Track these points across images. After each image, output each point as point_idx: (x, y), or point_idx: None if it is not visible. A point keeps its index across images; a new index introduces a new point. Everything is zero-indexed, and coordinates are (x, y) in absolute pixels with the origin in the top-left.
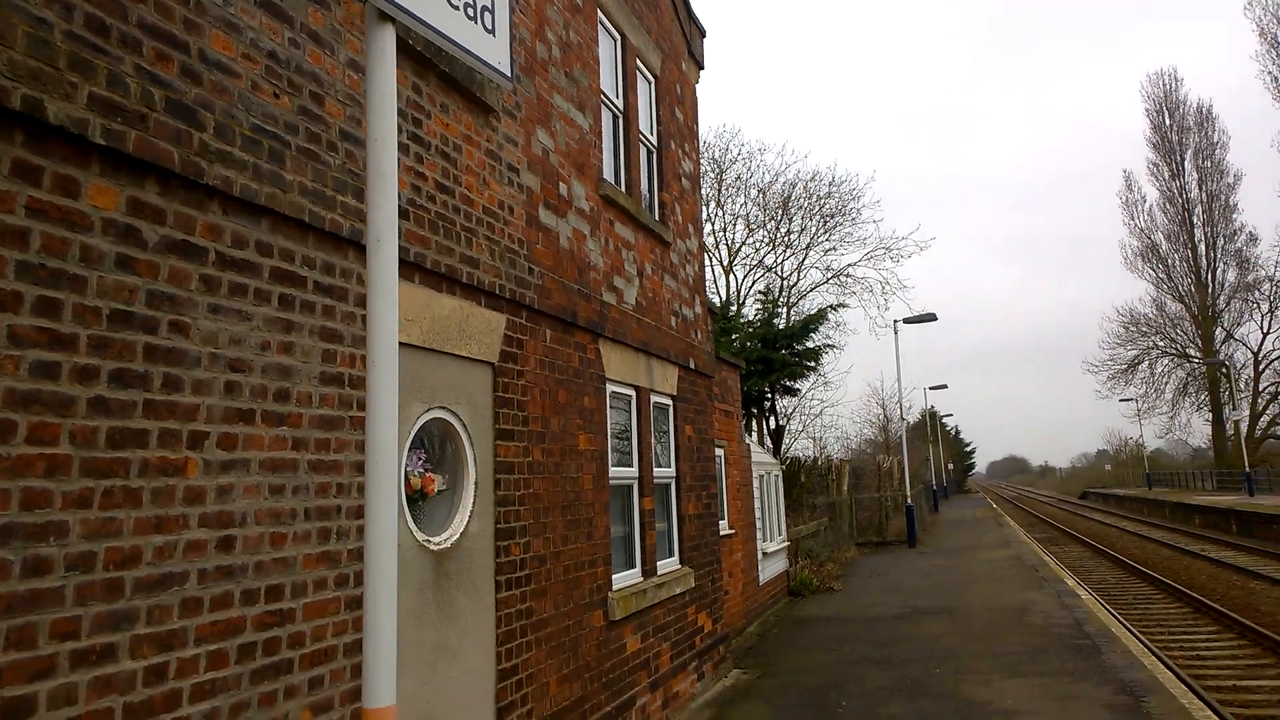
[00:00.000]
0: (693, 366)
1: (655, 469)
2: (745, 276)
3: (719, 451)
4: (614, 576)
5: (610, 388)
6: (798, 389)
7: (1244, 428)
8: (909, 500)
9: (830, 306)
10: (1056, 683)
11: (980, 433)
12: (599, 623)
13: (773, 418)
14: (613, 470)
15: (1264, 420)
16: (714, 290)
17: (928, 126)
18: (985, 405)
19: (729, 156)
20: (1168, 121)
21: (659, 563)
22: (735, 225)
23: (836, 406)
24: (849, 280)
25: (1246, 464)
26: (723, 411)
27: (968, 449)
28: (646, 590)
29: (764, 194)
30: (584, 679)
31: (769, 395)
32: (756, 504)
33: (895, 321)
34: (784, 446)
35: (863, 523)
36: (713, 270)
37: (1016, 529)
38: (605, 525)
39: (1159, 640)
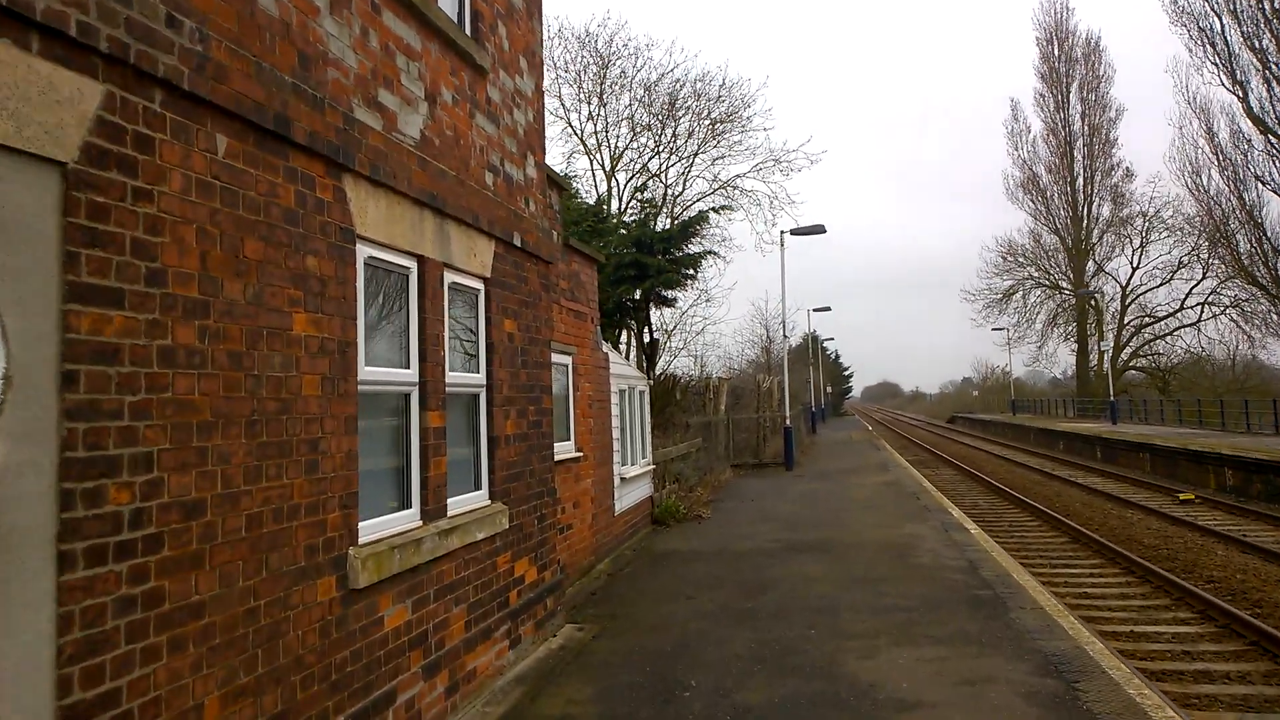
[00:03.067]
0: (519, 244)
1: (450, 373)
2: (628, 182)
3: (564, 359)
4: (363, 524)
5: (366, 250)
6: (675, 299)
7: (1109, 358)
8: (788, 422)
9: (713, 208)
10: (960, 655)
11: (857, 357)
12: (328, 594)
13: (647, 330)
14: (367, 371)
15: (1126, 352)
16: (590, 191)
17: (826, 40)
18: (864, 331)
19: (613, 49)
20: (1056, 51)
21: (452, 500)
22: (619, 126)
23: (719, 324)
24: (736, 192)
25: (1112, 393)
26: (571, 311)
27: (846, 373)
28: (424, 539)
29: (649, 92)
30: (290, 684)
31: (643, 305)
32: (615, 423)
33: (782, 233)
34: (662, 363)
35: (740, 444)
36: (594, 175)
37: (893, 452)
38: (347, 450)
39: (1040, 574)
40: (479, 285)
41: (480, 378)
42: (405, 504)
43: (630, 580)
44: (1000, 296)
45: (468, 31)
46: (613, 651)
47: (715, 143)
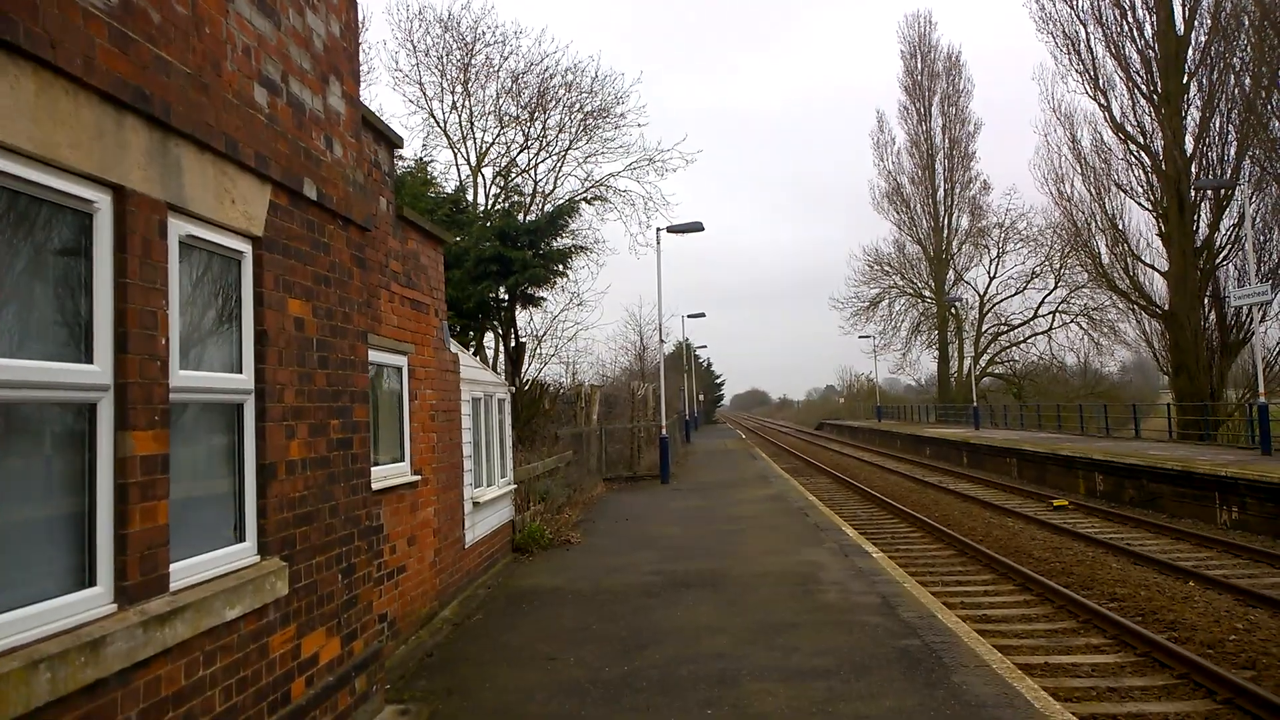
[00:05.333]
0: (315, 197)
1: (184, 371)
2: (494, 178)
3: (397, 359)
4: None
5: None
6: (543, 298)
7: (969, 365)
8: (664, 431)
9: (584, 199)
10: None
11: (726, 366)
12: None
13: (513, 333)
14: None
15: (984, 359)
16: (450, 180)
17: (694, 52)
18: (733, 339)
19: (479, 34)
20: (919, 65)
21: (185, 563)
22: (486, 119)
23: (592, 330)
24: (610, 191)
25: (975, 399)
26: (408, 300)
27: (718, 380)
28: (113, 636)
29: (518, 82)
30: None
31: (508, 305)
32: (468, 437)
33: (659, 230)
34: (532, 370)
35: (613, 455)
36: (458, 171)
37: (770, 461)
38: None
39: (936, 592)
40: (243, 247)
41: (244, 380)
42: (87, 580)
43: (479, 633)
44: (867, 304)
45: None
46: None
47: (587, 138)
